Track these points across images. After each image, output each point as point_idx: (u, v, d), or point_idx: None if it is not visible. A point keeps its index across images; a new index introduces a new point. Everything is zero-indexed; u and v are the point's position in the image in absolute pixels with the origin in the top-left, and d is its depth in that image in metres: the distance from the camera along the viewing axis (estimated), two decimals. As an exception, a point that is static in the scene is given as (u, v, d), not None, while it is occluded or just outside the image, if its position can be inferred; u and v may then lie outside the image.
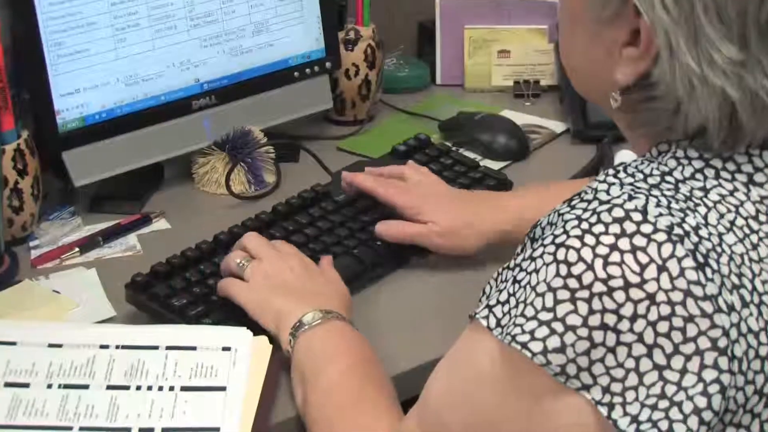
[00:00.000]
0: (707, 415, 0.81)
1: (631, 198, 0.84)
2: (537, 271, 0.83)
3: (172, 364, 1.10)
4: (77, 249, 1.36)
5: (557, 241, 0.83)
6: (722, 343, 0.81)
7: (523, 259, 0.86)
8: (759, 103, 0.85)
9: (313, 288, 1.17)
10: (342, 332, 1.12)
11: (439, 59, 1.83)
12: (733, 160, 0.88)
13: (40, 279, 1.31)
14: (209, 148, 1.52)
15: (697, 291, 0.81)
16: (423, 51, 1.89)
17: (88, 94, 1.43)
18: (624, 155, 1.44)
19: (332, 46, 1.63)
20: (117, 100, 1.46)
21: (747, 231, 0.86)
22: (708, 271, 0.82)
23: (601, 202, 0.84)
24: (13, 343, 1.12)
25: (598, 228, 0.82)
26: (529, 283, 0.84)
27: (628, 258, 0.81)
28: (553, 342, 0.81)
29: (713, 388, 0.81)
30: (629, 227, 0.82)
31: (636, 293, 0.80)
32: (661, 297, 0.80)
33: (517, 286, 0.85)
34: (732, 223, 0.86)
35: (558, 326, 0.81)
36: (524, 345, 0.82)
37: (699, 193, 0.87)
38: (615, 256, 0.81)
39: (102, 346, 1.11)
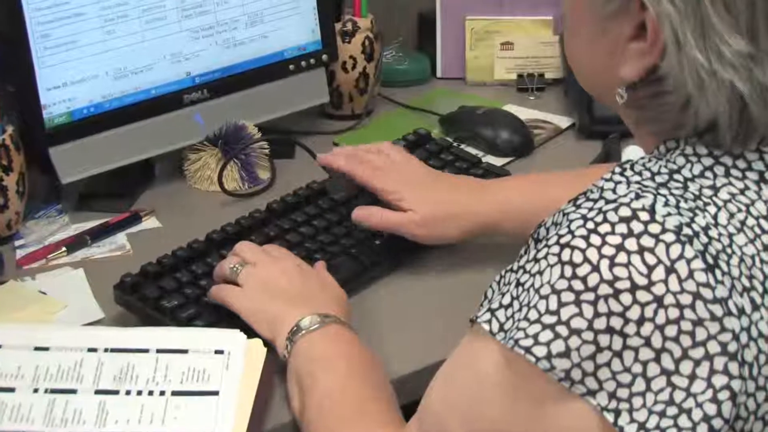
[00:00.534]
0: (717, 423, 0.80)
1: (638, 197, 0.83)
2: (541, 272, 0.82)
3: (163, 368, 1.09)
4: (64, 248, 1.35)
5: (562, 241, 0.82)
6: (732, 347, 0.80)
7: (527, 261, 0.85)
8: (770, 97, 0.85)
9: (310, 292, 1.17)
10: (341, 336, 1.11)
11: (439, 51, 1.83)
12: (744, 158, 0.88)
13: (26, 279, 1.30)
14: (201, 144, 1.51)
15: (707, 294, 0.80)
16: (423, 43, 1.89)
17: (76, 87, 1.42)
18: (632, 152, 1.44)
19: (329, 38, 1.63)
20: (105, 94, 1.45)
21: (758, 231, 0.85)
22: (718, 273, 0.81)
23: (608, 201, 0.83)
24: (-2, 346, 1.12)
25: (604, 228, 0.81)
26: (532, 285, 0.83)
27: (636, 259, 0.80)
28: (558, 346, 0.81)
29: (723, 395, 0.80)
30: (637, 227, 0.81)
31: (643, 296, 0.79)
32: (669, 300, 0.79)
33: (520, 288, 0.85)
34: (743, 223, 0.85)
35: (562, 330, 0.81)
36: (527, 349, 0.82)
37: (708, 192, 0.86)
38: (622, 257, 0.80)
39: (90, 350, 1.11)
